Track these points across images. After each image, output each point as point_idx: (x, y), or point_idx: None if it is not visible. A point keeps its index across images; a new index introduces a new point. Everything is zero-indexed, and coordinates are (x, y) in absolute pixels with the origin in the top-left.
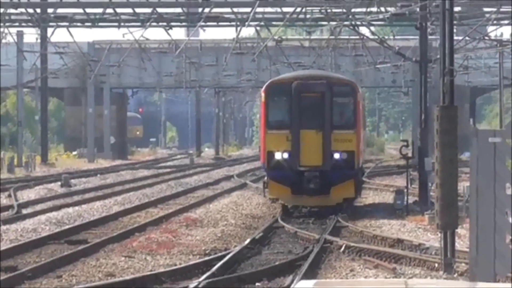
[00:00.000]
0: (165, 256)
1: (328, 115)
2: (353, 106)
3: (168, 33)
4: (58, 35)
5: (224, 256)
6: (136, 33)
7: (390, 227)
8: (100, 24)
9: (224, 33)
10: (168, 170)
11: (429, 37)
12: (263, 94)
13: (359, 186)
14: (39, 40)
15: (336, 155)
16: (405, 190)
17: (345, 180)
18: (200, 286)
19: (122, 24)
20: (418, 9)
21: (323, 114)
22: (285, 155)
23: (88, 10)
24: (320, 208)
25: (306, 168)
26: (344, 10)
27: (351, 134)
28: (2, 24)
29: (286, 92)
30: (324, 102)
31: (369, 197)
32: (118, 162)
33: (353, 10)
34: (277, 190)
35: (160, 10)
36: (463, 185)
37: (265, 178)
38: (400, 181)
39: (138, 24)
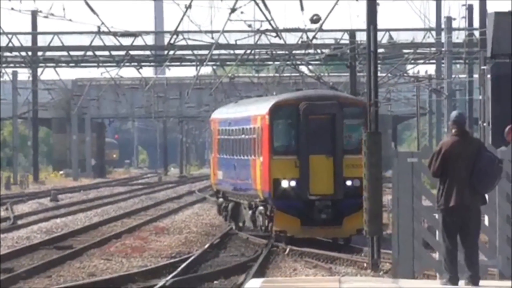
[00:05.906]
0: (138, 259)
1: (339, 139)
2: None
3: (139, 72)
4: (47, 74)
5: (187, 258)
6: (112, 72)
7: None
8: (82, 64)
9: (186, 72)
10: (140, 186)
11: (358, 74)
12: (267, 117)
13: None
14: (30, 78)
15: (349, 182)
16: None
17: (358, 210)
18: (167, 284)
19: (100, 64)
20: (348, 51)
21: (334, 137)
22: (293, 183)
23: (72, 53)
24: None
25: (317, 196)
26: (287, 52)
27: None
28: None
29: (293, 114)
30: (335, 124)
31: None
32: (98, 180)
33: (294, 52)
34: (285, 221)
35: (132, 52)
36: (386, 198)
37: (261, 208)
38: None
39: (114, 64)
